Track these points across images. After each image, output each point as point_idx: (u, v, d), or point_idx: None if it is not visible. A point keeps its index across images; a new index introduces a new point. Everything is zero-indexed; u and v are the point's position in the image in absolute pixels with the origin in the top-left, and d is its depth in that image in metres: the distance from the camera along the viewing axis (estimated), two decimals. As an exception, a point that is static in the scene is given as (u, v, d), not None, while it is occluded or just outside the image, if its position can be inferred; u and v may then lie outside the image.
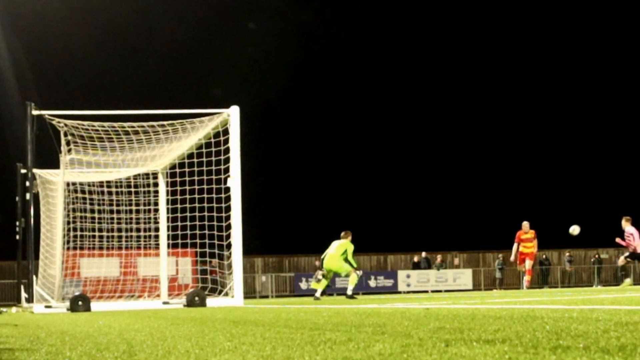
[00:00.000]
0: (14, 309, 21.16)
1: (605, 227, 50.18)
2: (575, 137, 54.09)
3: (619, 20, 54.01)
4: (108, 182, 21.82)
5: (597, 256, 45.80)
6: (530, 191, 52.87)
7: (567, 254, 45.85)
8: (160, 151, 18.91)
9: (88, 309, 16.46)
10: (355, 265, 20.54)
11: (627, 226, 24.32)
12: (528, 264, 25.56)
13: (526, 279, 26.05)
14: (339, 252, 20.37)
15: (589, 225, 51.03)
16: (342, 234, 20.80)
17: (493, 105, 54.36)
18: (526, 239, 25.71)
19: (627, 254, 24.63)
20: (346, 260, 20.41)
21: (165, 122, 18.02)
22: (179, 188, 19.41)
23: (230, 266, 17.71)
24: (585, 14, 53.49)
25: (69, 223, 20.99)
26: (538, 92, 55.76)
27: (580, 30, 53.79)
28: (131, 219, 21.76)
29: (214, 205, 17.97)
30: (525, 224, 25.96)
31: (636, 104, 53.64)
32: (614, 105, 54.97)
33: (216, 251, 18.42)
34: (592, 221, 52.14)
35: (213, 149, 18.04)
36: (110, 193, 21.90)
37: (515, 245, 25.80)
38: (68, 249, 20.94)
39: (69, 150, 17.93)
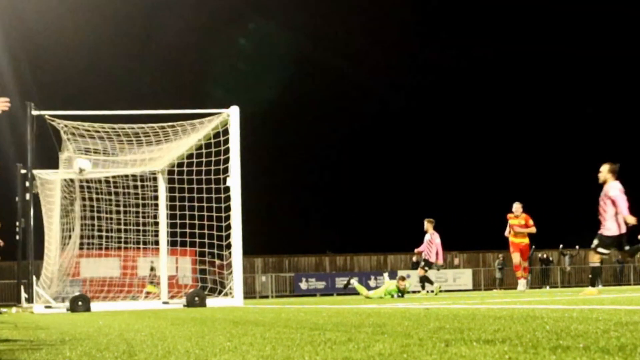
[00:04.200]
0: (14, 309, 21.15)
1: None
2: (575, 137, 54.11)
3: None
4: (108, 182, 21.82)
5: (597, 256, 45.77)
6: (531, 191, 52.88)
7: (568, 253, 45.84)
8: (160, 152, 18.91)
9: (88, 309, 16.45)
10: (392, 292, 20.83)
11: (430, 230, 22.51)
12: (518, 258, 21.01)
13: (519, 274, 21.47)
14: (381, 291, 20.85)
15: (589, 225, 51.14)
16: (398, 277, 21.79)
17: (493, 105, 54.39)
18: (516, 225, 20.89)
19: (422, 263, 22.86)
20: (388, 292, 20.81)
21: (165, 124, 18.02)
22: (178, 187, 19.40)
23: (230, 266, 17.70)
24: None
25: (68, 223, 20.99)
26: (536, 91, 55.80)
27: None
28: (131, 219, 21.75)
29: (214, 205, 17.95)
30: (516, 206, 21.16)
31: (635, 103, 53.67)
32: (614, 104, 54.99)
33: (216, 251, 18.41)
34: (593, 221, 52.21)
35: (213, 149, 18.02)
36: (110, 193, 21.89)
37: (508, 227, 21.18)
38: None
39: (69, 151, 17.93)
